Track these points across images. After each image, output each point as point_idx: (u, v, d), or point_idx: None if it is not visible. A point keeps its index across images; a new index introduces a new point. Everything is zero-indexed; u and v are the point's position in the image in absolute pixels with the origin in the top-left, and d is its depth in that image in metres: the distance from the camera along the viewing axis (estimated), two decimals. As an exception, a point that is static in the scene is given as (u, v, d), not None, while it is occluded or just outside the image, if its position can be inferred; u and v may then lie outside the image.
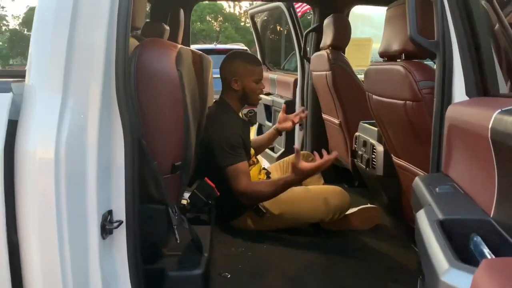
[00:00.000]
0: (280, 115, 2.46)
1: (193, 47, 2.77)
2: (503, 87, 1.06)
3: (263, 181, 2.07)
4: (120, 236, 1.22)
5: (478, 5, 1.12)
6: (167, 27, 2.54)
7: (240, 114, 2.23)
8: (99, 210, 1.15)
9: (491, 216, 0.77)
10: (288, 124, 2.41)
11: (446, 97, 1.16)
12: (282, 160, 2.59)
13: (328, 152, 1.91)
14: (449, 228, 0.77)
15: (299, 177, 1.92)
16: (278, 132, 2.48)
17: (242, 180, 1.97)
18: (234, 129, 2.05)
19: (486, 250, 0.69)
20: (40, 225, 1.07)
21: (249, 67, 2.08)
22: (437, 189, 0.95)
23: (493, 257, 0.67)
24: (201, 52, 2.12)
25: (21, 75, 1.16)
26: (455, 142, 1.02)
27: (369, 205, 2.28)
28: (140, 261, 1.26)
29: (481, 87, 1.06)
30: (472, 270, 0.60)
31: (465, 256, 0.72)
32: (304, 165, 1.89)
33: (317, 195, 2.12)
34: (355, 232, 2.17)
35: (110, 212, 1.20)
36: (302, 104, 3.11)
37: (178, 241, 1.39)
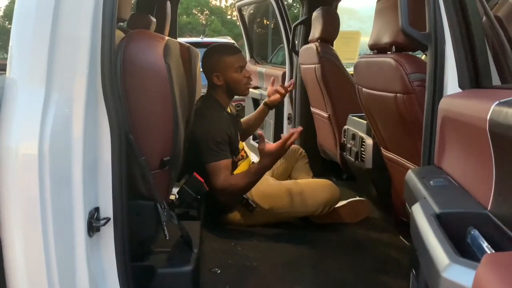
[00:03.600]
0: (269, 89, 2.42)
1: (180, 40, 2.72)
2: (495, 79, 1.06)
3: (236, 174, 2.04)
4: (108, 233, 1.19)
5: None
6: (154, 19, 2.49)
7: (229, 109, 2.19)
8: (85, 207, 1.11)
9: (489, 209, 0.76)
10: (276, 96, 2.37)
11: (438, 89, 1.15)
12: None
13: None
14: (446, 222, 0.76)
15: (268, 160, 1.90)
16: (268, 107, 2.44)
17: (220, 176, 1.94)
18: (220, 125, 2.02)
19: (484, 244, 0.68)
20: (24, 223, 1.03)
21: (226, 59, 2.05)
22: (431, 182, 0.94)
23: (492, 251, 0.66)
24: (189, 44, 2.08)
25: (1, 68, 1.11)
26: (449, 134, 1.01)
27: (358, 198, 2.29)
28: (129, 259, 1.23)
29: (474, 79, 1.05)
30: (474, 265, 0.59)
31: (462, 250, 0.71)
32: (269, 145, 1.88)
33: (306, 188, 2.12)
34: (345, 225, 2.18)
35: (97, 209, 1.16)
36: (291, 98, 3.09)
37: (167, 238, 1.37)
